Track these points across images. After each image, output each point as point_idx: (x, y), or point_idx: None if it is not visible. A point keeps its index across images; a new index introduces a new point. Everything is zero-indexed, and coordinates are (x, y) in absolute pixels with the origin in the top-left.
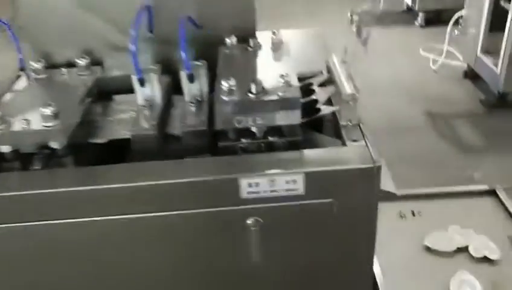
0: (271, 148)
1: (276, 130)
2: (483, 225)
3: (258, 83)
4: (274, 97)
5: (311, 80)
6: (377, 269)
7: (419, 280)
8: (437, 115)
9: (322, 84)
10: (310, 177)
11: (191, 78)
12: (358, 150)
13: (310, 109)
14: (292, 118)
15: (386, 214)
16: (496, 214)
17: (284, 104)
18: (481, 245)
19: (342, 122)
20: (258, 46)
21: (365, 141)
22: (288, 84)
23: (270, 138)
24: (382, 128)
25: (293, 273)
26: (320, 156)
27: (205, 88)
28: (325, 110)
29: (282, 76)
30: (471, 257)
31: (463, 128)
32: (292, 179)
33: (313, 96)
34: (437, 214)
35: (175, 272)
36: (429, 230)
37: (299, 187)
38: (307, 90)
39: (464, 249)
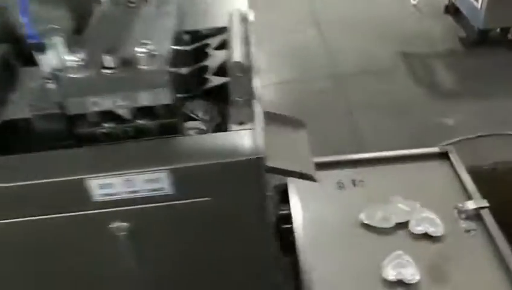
0: (141, 133)
1: (148, 111)
2: (430, 194)
3: (114, 55)
4: (132, 72)
5: (209, 41)
6: (302, 249)
7: (349, 262)
8: (413, 55)
9: (221, 46)
10: (176, 174)
11: (41, 48)
12: (241, 137)
13: (201, 78)
14: (160, 96)
15: (324, 184)
16: (445, 180)
17: (146, 80)
18: (423, 220)
19: (232, 98)
20: (141, 2)
21: (255, 124)
22: (151, 54)
23: (139, 122)
24: (352, 71)
25: (180, 276)
26: (192, 146)
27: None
28: (214, 81)
29: (143, 44)
30: (412, 233)
31: (439, 69)
32: (154, 178)
33: (206, 63)
34: (380, 183)
35: (41, 283)
36: (369, 202)
37: (165, 186)
38: (201, 53)
39: (404, 225)
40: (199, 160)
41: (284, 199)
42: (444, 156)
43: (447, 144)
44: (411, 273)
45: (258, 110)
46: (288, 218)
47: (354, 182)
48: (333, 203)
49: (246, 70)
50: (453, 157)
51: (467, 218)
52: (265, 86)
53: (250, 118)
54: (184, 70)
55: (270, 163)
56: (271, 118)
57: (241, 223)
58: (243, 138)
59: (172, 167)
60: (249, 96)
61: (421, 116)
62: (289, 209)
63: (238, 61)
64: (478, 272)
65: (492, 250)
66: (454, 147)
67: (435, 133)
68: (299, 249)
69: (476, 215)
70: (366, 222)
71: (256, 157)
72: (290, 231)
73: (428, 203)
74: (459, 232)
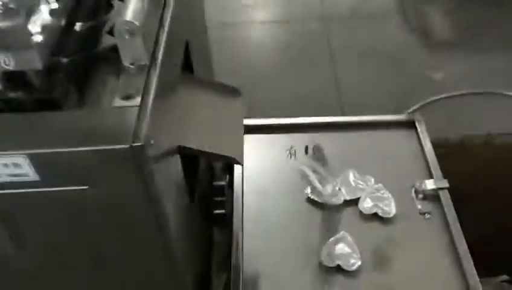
0: (13, 106)
1: (21, 81)
2: (389, 168)
3: None
4: None
5: None
6: (236, 227)
7: (287, 244)
8: (409, 0)
9: None
10: (38, 160)
11: None
12: (123, 116)
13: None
14: (24, 59)
15: (273, 151)
16: (408, 153)
17: (4, 39)
18: (375, 199)
19: (124, 63)
20: None
21: (145, 98)
22: (8, 8)
23: (10, 94)
24: (341, 17)
25: (60, 266)
26: (62, 126)
27: None
28: (107, 41)
29: None
30: (361, 213)
31: (436, 16)
32: (12, 162)
33: (105, 19)
34: (335, 152)
35: None
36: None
37: (28, 172)
38: (108, 6)
39: (354, 202)
40: (64, 145)
41: (228, 167)
42: (411, 124)
43: (426, 103)
44: (352, 259)
45: (154, 80)
46: (225, 189)
47: (306, 149)
48: (280, 173)
49: (138, 31)
50: (419, 127)
51: (424, 198)
52: (251, 24)
53: (140, 91)
54: (77, 26)
55: (185, 143)
56: (198, 86)
57: (126, 214)
58: (124, 118)
59: (31, 151)
60: (145, 62)
61: (407, 68)
62: (228, 180)
63: (127, 21)
64: (425, 259)
65: (445, 236)
66: (433, 105)
67: (420, 89)
68: (233, 227)
69: (434, 197)
70: (311, 197)
71: (133, 146)
72: (226, 204)
73: (384, 179)
74: (413, 215)
